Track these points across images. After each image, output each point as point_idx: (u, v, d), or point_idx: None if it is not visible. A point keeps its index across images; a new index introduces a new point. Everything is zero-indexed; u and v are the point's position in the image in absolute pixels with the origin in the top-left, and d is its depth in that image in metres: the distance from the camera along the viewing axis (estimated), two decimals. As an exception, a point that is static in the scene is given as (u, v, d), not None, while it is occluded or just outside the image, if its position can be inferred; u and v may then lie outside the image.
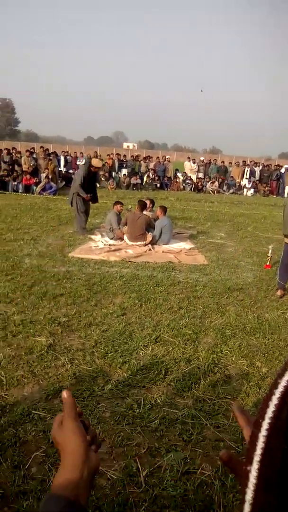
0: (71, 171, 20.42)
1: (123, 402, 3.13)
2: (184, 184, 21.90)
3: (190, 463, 2.58)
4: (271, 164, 25.74)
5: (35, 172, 17.59)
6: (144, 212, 8.67)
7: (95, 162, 9.29)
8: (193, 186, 21.61)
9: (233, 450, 2.69)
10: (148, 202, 9.53)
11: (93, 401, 3.12)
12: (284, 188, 22.36)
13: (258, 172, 23.63)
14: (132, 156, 23.95)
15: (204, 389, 3.37)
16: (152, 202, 9.71)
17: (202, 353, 3.91)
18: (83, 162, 21.39)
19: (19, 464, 2.49)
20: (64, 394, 0.79)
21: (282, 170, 23.08)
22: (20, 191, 15.97)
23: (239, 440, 2.79)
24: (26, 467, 2.47)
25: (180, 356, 3.85)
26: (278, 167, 23.78)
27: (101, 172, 20.02)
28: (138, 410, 3.04)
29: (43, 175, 17.13)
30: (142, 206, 8.53)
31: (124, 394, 3.23)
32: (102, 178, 19.68)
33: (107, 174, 20.12)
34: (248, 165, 24.19)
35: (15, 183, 16.20)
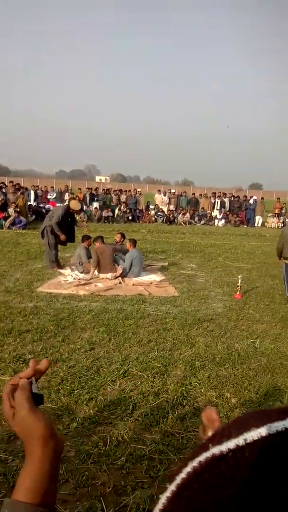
0: (41, 205, 20.44)
1: (89, 440, 3.04)
2: (156, 216, 22.15)
3: (157, 501, 2.49)
4: (239, 196, 26.38)
5: (4, 206, 17.50)
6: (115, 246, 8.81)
7: (73, 205, 9.39)
8: (165, 218, 21.88)
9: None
10: (119, 235, 9.59)
11: (57, 440, 3.01)
12: (253, 218, 22.93)
13: (228, 203, 24.17)
14: (103, 189, 24.18)
15: (173, 423, 3.31)
16: (123, 235, 9.76)
17: (171, 386, 3.86)
18: (54, 196, 21.53)
19: (-23, 512, 2.36)
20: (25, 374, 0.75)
21: (251, 201, 23.71)
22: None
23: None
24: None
25: (148, 390, 3.79)
26: (246, 198, 24.46)
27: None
28: (104, 448, 2.95)
29: (11, 210, 17.06)
30: (101, 238, 8.68)
31: (90, 432, 3.14)
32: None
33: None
34: (219, 196, 24.74)
35: (-16, 218, 16.08)
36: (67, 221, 9.10)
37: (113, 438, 3.06)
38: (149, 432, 3.19)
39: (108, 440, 3.04)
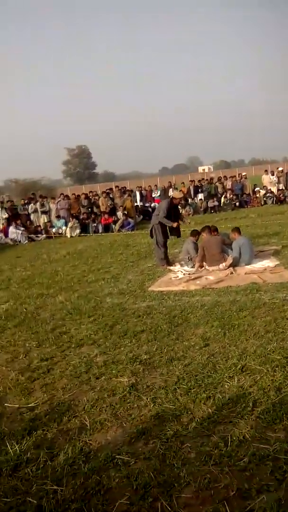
0: (147, 204, 20.86)
1: (209, 441, 2.96)
2: (265, 199, 21.25)
3: (285, 505, 2.33)
4: None
5: (112, 211, 18.22)
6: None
7: (175, 194, 9.59)
8: (275, 199, 20.88)
9: None
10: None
11: (177, 441, 2.99)
12: None
13: None
14: (207, 179, 23.87)
15: (298, 420, 3.08)
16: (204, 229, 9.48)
17: (293, 380, 3.62)
18: (158, 194, 21.82)
19: (104, 513, 2.43)
20: None
21: None
22: (100, 231, 16.60)
23: None
24: (111, 516, 2.41)
25: (269, 385, 3.59)
26: None
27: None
28: (225, 448, 2.85)
29: (119, 213, 17.68)
30: (209, 229, 8.48)
31: (209, 432, 3.07)
32: (179, 206, 19.77)
33: (183, 202, 20.20)
34: None
35: (95, 224, 16.89)
36: (172, 215, 9.09)
37: (234, 438, 2.95)
38: (273, 430, 3.01)
39: (229, 440, 2.93)
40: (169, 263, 8.97)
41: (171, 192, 21.67)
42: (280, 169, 25.16)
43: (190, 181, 23.76)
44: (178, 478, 2.63)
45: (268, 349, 4.30)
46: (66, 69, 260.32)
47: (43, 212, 18.55)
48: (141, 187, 23.57)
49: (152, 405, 3.49)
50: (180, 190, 21.24)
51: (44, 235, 17.09)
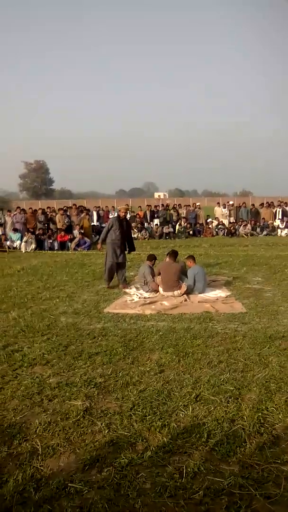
0: (103, 225, 20.83)
1: (164, 471, 2.93)
2: (216, 230, 21.86)
3: None
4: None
5: (69, 228, 18.05)
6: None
7: (121, 209, 9.62)
8: (226, 230, 21.54)
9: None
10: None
11: (132, 470, 2.94)
12: None
13: (290, 212, 23.37)
14: (163, 205, 24.27)
15: (251, 453, 3.12)
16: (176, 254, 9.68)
17: (246, 412, 3.68)
18: (115, 215, 21.92)
19: None
20: None
21: None
22: (55, 248, 16.36)
23: (294, 513, 2.53)
24: None
25: (222, 416, 3.63)
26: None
27: (133, 224, 20.36)
28: (180, 480, 2.83)
29: (76, 231, 17.55)
30: (174, 255, 8.54)
31: (165, 462, 3.04)
32: (135, 229, 19.93)
33: (139, 225, 20.38)
34: (279, 205, 24.00)
35: (50, 241, 16.65)
36: (123, 230, 9.19)
37: (189, 469, 2.94)
38: (227, 463, 3.03)
39: (184, 471, 2.92)
40: (125, 285, 8.99)
41: (128, 215, 21.83)
42: (231, 203, 26.05)
43: (147, 205, 24.06)
44: (133, 509, 2.58)
45: (221, 379, 4.36)
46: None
47: (-2, 224, 18.06)
48: (98, 207, 23.56)
49: (106, 431, 3.42)
50: (137, 214, 21.49)
51: (-3, 248, 16.58)
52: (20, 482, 2.83)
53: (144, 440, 3.31)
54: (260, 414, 3.65)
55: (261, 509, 2.58)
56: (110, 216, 21.30)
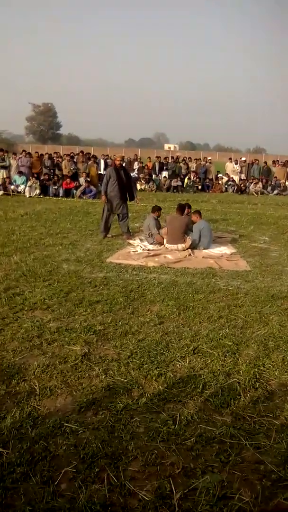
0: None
1: (158, 417, 3.00)
2: (226, 186, 21.52)
3: (227, 487, 2.41)
4: None
5: (75, 176, 17.80)
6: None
7: (116, 157, 9.35)
8: (236, 187, 21.21)
9: (274, 475, 2.51)
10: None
11: (127, 415, 3.01)
12: None
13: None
14: (173, 157, 23.79)
15: (244, 406, 3.18)
16: (189, 206, 9.55)
17: (242, 367, 3.72)
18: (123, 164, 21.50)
19: (48, 479, 2.41)
20: None
21: None
22: (60, 195, 16.20)
23: (281, 464, 2.60)
24: (55, 483, 2.39)
25: (219, 369, 3.67)
26: None
27: (141, 175, 20.04)
28: (173, 426, 2.90)
29: (81, 179, 17.31)
30: (181, 209, 8.43)
31: (159, 409, 3.10)
32: (143, 181, 19.66)
33: (147, 177, 20.07)
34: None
35: (56, 187, 16.46)
36: (123, 180, 8.97)
37: (183, 417, 3.00)
38: (220, 414, 3.09)
39: (178, 418, 2.98)
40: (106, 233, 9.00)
41: (136, 165, 21.46)
42: (243, 159, 25.49)
43: (156, 157, 23.60)
44: (125, 451, 2.65)
45: (220, 334, 4.39)
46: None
47: (2, 167, 17.80)
48: (107, 155, 23.11)
49: (103, 376, 3.48)
50: (146, 165, 21.10)
51: (1, 192, 16.44)
52: (18, 419, 2.91)
53: (140, 387, 3.37)
54: (256, 369, 3.69)
55: (250, 458, 2.65)
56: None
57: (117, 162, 9.13)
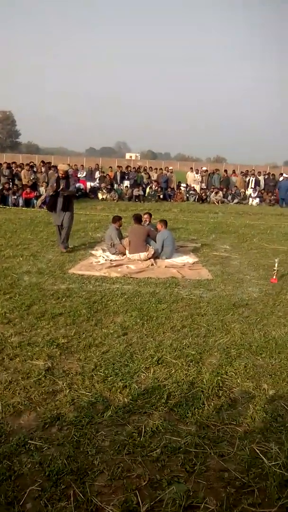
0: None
1: (123, 430, 3.00)
2: (187, 195, 21.83)
3: (193, 496, 2.44)
4: (274, 174, 25.55)
5: (35, 185, 17.59)
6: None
7: (61, 167, 8.84)
8: (197, 196, 21.54)
9: (238, 482, 2.56)
10: (146, 216, 9.46)
11: (92, 429, 3.00)
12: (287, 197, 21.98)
13: (263, 181, 23.52)
14: (134, 167, 23.94)
15: (208, 415, 3.23)
16: (150, 215, 9.63)
17: (206, 375, 3.78)
18: (84, 175, 21.44)
19: (13, 500, 2.36)
20: None
21: (281, 179, 22.65)
22: (20, 205, 15.96)
23: (245, 470, 2.65)
24: (21, 502, 2.35)
25: (183, 379, 3.72)
26: (280, 176, 23.58)
27: (102, 184, 20.05)
28: (139, 438, 2.91)
29: (42, 189, 17.13)
30: (138, 218, 8.52)
31: (124, 421, 3.11)
32: (104, 190, 19.67)
33: (109, 186, 20.10)
34: (253, 174, 24.13)
35: (15, 197, 16.19)
36: (61, 188, 8.50)
37: (148, 429, 3.02)
38: (184, 423, 3.13)
39: (143, 430, 3.00)
40: (65, 247, 8.60)
41: (97, 174, 21.46)
42: (204, 168, 25.96)
43: (118, 166, 23.68)
44: (91, 466, 2.64)
45: (184, 344, 4.45)
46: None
47: None
48: (68, 164, 22.95)
49: (68, 391, 3.45)
50: (107, 175, 21.13)
51: None
52: (-21, 438, 2.84)
53: (105, 400, 3.36)
54: (219, 378, 3.76)
55: (214, 466, 2.69)
56: (78, 175, 20.92)
57: (61, 174, 8.64)
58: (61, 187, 8.46)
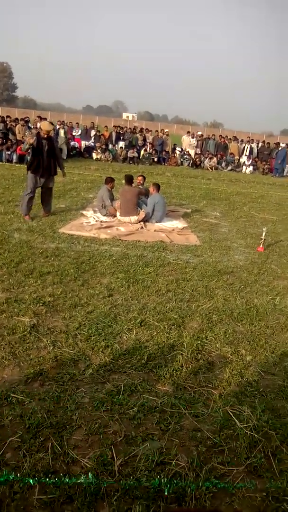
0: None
1: (103, 388, 3.11)
2: (182, 160, 21.58)
3: (166, 453, 2.56)
4: (269, 142, 25.25)
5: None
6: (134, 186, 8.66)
7: (44, 126, 7.71)
8: (191, 161, 21.31)
9: (210, 441, 2.68)
10: (140, 178, 9.39)
11: (72, 385, 3.10)
12: (281, 167, 21.83)
13: (256, 149, 23.28)
14: (130, 128, 23.47)
15: (186, 377, 3.35)
16: (143, 177, 9.55)
17: (186, 339, 3.88)
18: (79, 133, 20.98)
19: (-7, 449, 2.47)
20: None
21: (280, 147, 22.42)
22: (14, 161, 15.68)
23: (217, 431, 2.78)
24: (0, 452, 2.45)
25: (164, 342, 3.82)
26: (277, 145, 23.33)
27: (97, 144, 19.70)
28: (117, 396, 3.02)
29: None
30: (129, 179, 8.43)
31: (104, 379, 3.21)
32: (99, 150, 19.35)
33: (103, 146, 19.76)
34: (248, 141, 23.84)
35: (9, 152, 15.87)
36: (46, 150, 7.59)
37: (127, 388, 3.12)
38: (162, 384, 3.24)
39: (122, 389, 3.10)
40: (27, 214, 7.67)
41: (92, 133, 21.02)
42: (199, 133, 25.54)
43: (114, 126, 23.20)
44: (70, 420, 2.74)
45: (167, 307, 4.54)
46: None
47: None
48: (63, 121, 22.40)
49: (51, 348, 3.53)
50: (102, 134, 20.71)
51: None
52: None
53: (87, 358, 3.45)
54: (199, 342, 3.86)
55: (188, 426, 2.82)
56: (73, 133, 20.46)
57: (43, 133, 7.59)
58: (45, 148, 7.57)
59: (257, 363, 3.67)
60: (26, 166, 8.16)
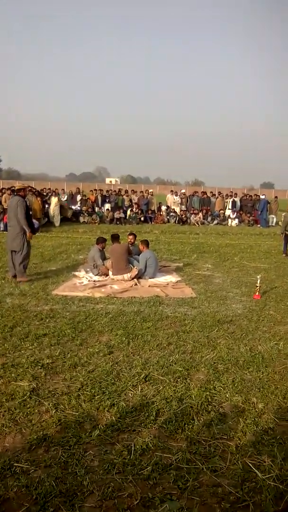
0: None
1: (113, 449, 2.92)
2: (168, 217, 21.98)
3: (187, 514, 2.37)
4: (252, 195, 25.96)
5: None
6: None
7: (16, 187, 8.09)
8: (177, 218, 21.70)
9: (232, 497, 2.49)
10: (131, 236, 9.47)
11: (80, 449, 2.90)
12: (264, 218, 22.28)
13: (239, 203, 23.89)
14: (115, 191, 24.06)
15: (198, 430, 3.17)
16: (135, 236, 9.64)
17: (194, 391, 3.72)
18: (65, 199, 21.42)
19: (-1, 526, 2.25)
20: None
21: (261, 200, 23.02)
22: (1, 229, 15.82)
23: (239, 485, 2.59)
24: (7, 529, 2.24)
25: (171, 395, 3.66)
26: (258, 197, 23.99)
27: (84, 208, 20.06)
28: (128, 456, 2.83)
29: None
30: (115, 237, 8.61)
31: (113, 440, 3.02)
32: (85, 213, 19.67)
33: (90, 209, 20.12)
34: (230, 195, 24.50)
35: (-3, 221, 16.04)
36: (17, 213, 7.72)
37: (138, 447, 2.94)
38: (175, 440, 3.06)
39: (133, 448, 2.92)
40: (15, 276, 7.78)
41: (78, 198, 21.47)
42: (183, 191, 26.31)
43: (99, 190, 23.77)
44: (80, 486, 2.54)
45: (170, 360, 4.40)
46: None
47: None
48: (49, 189, 22.93)
49: (54, 411, 3.35)
50: (88, 198, 21.17)
51: None
52: None
53: (92, 419, 3.28)
54: (208, 393, 3.71)
55: (207, 481, 2.63)
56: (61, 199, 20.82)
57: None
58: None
59: (270, 410, 3.51)
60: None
